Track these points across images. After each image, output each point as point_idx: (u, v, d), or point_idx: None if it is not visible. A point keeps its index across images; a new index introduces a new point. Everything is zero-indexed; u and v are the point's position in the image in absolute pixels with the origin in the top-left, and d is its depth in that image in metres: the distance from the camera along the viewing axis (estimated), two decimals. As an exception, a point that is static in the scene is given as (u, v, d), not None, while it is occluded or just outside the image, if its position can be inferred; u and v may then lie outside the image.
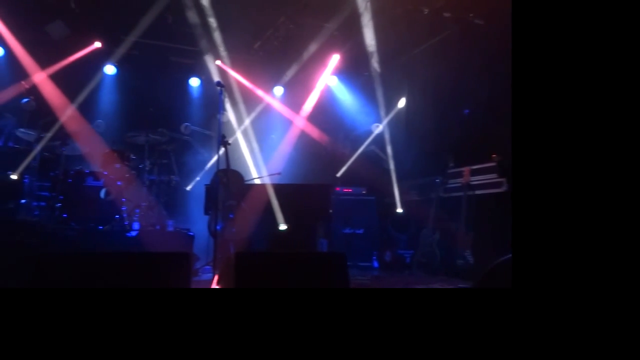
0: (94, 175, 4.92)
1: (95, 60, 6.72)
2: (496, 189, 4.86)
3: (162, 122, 6.28)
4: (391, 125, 6.83)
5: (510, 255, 2.81)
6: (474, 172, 5.13)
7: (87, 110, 6.42)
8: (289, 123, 7.48)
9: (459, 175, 5.30)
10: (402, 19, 6.33)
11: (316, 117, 7.44)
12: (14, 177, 4.89)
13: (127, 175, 5.05)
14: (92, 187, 4.82)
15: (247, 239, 5.01)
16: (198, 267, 4.88)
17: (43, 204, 4.96)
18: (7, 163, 5.01)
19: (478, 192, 5.08)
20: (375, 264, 5.77)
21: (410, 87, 6.85)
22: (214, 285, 3.50)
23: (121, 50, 6.71)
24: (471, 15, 5.89)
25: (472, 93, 5.65)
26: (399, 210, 6.24)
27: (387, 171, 6.45)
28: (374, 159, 6.73)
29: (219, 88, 4.24)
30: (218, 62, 7.22)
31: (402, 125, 6.82)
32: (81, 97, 6.39)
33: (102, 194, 4.82)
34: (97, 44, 6.68)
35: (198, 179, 6.72)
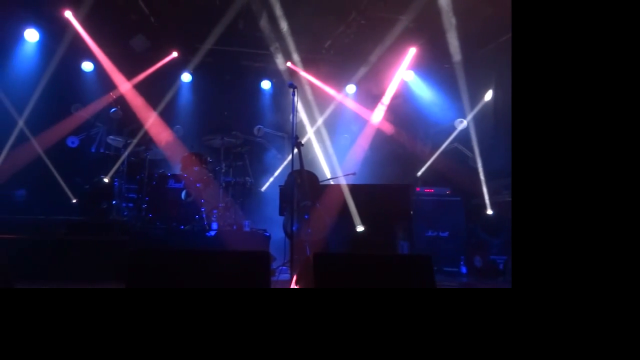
0: (175, 177, 5.27)
1: (173, 70, 7.23)
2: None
3: (236, 125, 6.60)
4: (477, 120, 6.49)
5: None
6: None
7: (167, 116, 6.92)
8: (363, 122, 7.44)
9: (560, 171, 4.86)
10: (487, 4, 6.02)
11: (393, 114, 7.32)
12: (105, 180, 5.42)
13: (205, 178, 5.34)
14: (174, 189, 5.17)
15: (323, 240, 5.02)
16: (274, 267, 4.99)
17: (131, 205, 5.42)
18: (99, 168, 5.57)
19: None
20: (464, 270, 5.49)
21: (498, 78, 6.47)
22: (293, 285, 3.53)
23: (196, 59, 7.15)
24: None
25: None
26: (490, 211, 5.90)
27: (474, 170, 6.14)
28: (458, 157, 6.45)
29: (291, 89, 4.31)
30: (289, 64, 7.39)
31: (489, 120, 6.46)
32: (162, 105, 6.89)
33: (183, 195, 5.14)
34: (174, 54, 7.18)
35: (272, 180, 6.92)
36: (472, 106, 6.51)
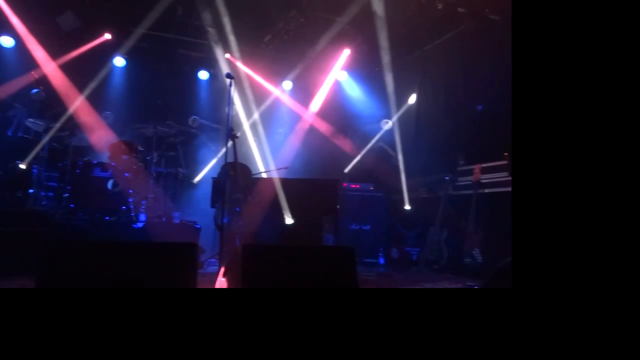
0: (102, 166, 4.99)
1: (105, 52, 6.80)
2: (507, 188, 4.84)
3: (170, 114, 6.37)
4: (401, 121, 6.82)
5: None
6: (485, 170, 5.11)
7: (96, 101, 6.50)
8: (297, 118, 7.51)
9: (469, 173, 5.28)
10: (416, 14, 6.31)
11: (325, 112, 7.47)
12: (22, 166, 4.99)
13: (134, 167, 5.12)
14: (99, 178, 4.90)
15: (253, 232, 5.05)
16: (204, 259, 4.94)
17: (51, 194, 5.05)
18: (16, 153, 5.11)
19: (488, 190, 5.06)
20: (382, 260, 5.79)
21: (421, 83, 6.83)
22: (220, 278, 3.55)
23: (130, 42, 6.78)
24: (486, 10, 5.85)
25: (485, 90, 5.63)
26: (407, 207, 6.25)
27: (396, 168, 6.46)
28: (382, 156, 6.74)
29: (228, 80, 4.25)
30: (227, 56, 7.26)
31: (412, 122, 6.81)
32: (90, 88, 6.47)
33: (110, 185, 4.90)
34: (107, 36, 6.76)
35: (205, 172, 6.79)
36: (397, 108, 6.82)
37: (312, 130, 7.35)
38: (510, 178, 4.87)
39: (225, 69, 7.06)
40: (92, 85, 6.53)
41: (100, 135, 5.76)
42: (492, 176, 5.07)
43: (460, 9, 6.01)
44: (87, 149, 5.72)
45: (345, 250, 2.89)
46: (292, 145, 7.15)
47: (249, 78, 7.50)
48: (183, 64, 7.51)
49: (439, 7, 6.05)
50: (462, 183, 5.51)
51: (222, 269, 3.66)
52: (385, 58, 6.72)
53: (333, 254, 2.89)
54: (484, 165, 5.13)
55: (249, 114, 7.36)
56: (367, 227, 5.89)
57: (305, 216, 5.31)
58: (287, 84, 7.87)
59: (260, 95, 7.54)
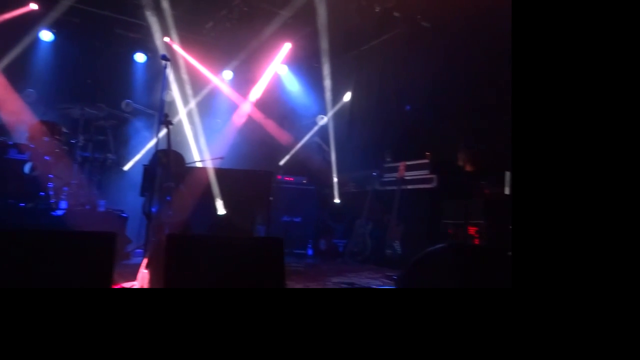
0: (19, 147, 4.60)
1: (30, 24, 6.23)
2: (427, 185, 5.13)
3: (102, 96, 5.99)
4: (336, 118, 6.96)
5: (438, 246, 3.04)
6: (409, 168, 5.37)
7: (16, 77, 5.96)
8: (236, 108, 7.39)
9: (395, 169, 5.52)
10: (355, 14, 6.44)
11: (264, 104, 7.41)
12: None
13: (56, 150, 4.77)
14: (15, 160, 4.51)
15: (184, 222, 4.93)
16: (130, 250, 4.76)
17: (-42, 176, 4.58)
18: None
19: (411, 186, 5.33)
20: (310, 252, 5.92)
21: (357, 82, 6.99)
22: (143, 269, 3.44)
23: (58, 14, 6.26)
24: (419, 17, 6.10)
25: (414, 92, 5.90)
26: (337, 200, 6.42)
27: (329, 163, 6.59)
28: (316, 150, 6.84)
29: (163, 62, 4.06)
30: (166, 39, 6.96)
31: (346, 119, 6.97)
32: (7, 61, 5.91)
33: (27, 168, 4.53)
34: (33, 6, 6.20)
35: (137, 159, 6.50)
36: (333, 105, 6.95)
37: (249, 121, 7.27)
38: (429, 176, 5.17)
39: (163, 52, 6.75)
40: (10, 57, 5.95)
41: (19, 114, 5.31)
42: (414, 173, 5.33)
43: (395, 14, 6.22)
44: (2, 129, 5.25)
45: (273, 241, 2.90)
46: (228, 135, 7.03)
47: (188, 65, 7.24)
48: (119, 45, 7.08)
49: (377, 10, 6.22)
50: (387, 179, 5.73)
51: (145, 260, 3.56)
52: (324, 55, 6.80)
53: (261, 244, 2.87)
54: (408, 163, 5.39)
55: (186, 102, 7.12)
56: (298, 220, 5.97)
57: (238, 207, 5.28)
58: (227, 74, 7.70)
59: (198, 83, 7.32)
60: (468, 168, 4.94)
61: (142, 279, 3.34)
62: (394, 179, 5.51)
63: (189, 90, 7.09)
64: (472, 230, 4.42)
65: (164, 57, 4.05)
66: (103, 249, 2.39)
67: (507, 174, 4.54)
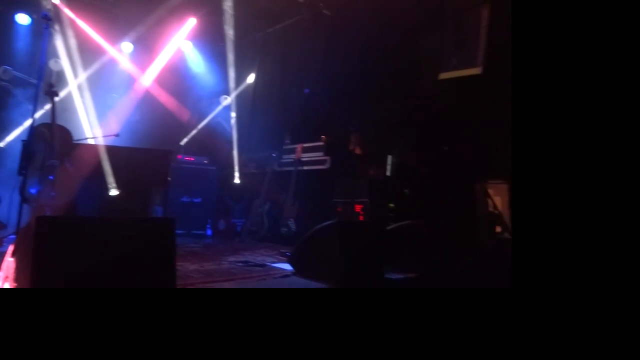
0: None
1: None
2: (321, 166, 5.31)
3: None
4: (239, 99, 6.81)
5: (326, 222, 3.17)
6: (306, 150, 5.49)
7: None
8: (133, 82, 6.85)
9: (293, 151, 5.60)
10: (262, -4, 6.29)
11: (165, 81, 6.97)
12: None
13: None
14: None
15: (69, 204, 4.52)
16: (3, 236, 4.27)
17: None
18: None
19: (307, 167, 5.45)
20: (209, 232, 5.84)
21: (260, 64, 6.89)
22: (8, 257, 3.11)
23: None
24: (321, 4, 6.15)
25: (314, 77, 5.98)
26: (237, 181, 6.36)
27: (230, 143, 6.47)
28: (219, 130, 6.67)
29: (45, 22, 3.54)
30: (56, 1, 6.13)
31: (249, 100, 6.86)
32: None
33: None
34: None
35: (16, 134, 5.75)
36: (237, 86, 6.78)
37: (149, 98, 6.80)
38: (323, 157, 5.35)
39: (45, 11, 5.95)
40: None
41: None
42: (310, 155, 5.46)
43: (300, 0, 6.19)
44: None
45: (163, 222, 2.74)
46: (125, 111, 6.52)
47: (80, 31, 6.49)
48: (-5, 3, 6.10)
49: (283, -6, 6.13)
50: (286, 160, 5.79)
51: (11, 247, 3.22)
52: (230, 34, 6.56)
53: (150, 226, 2.66)
54: (305, 145, 5.50)
55: (77, 73, 6.42)
56: (198, 200, 5.81)
57: (133, 187, 4.97)
58: (127, 46, 7.07)
59: (92, 52, 6.62)
60: (357, 151, 5.20)
61: (6, 269, 3.02)
62: (291, 160, 5.59)
63: (80, 59, 6.39)
64: (358, 207, 4.69)
65: (45, 16, 3.50)
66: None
67: (389, 157, 4.87)
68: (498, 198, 4.46)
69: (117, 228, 2.32)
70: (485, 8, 4.26)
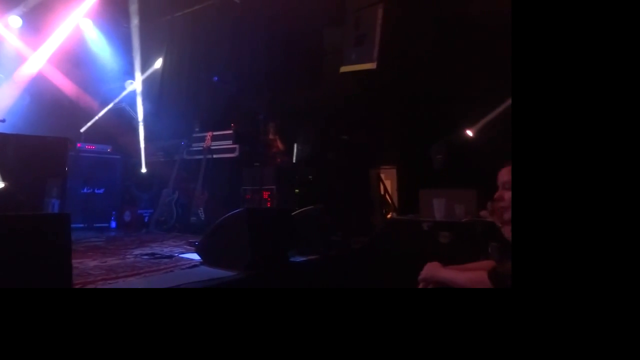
0: None
1: None
2: (230, 154, 5.23)
3: None
4: (146, 84, 6.36)
5: (235, 210, 3.13)
6: (215, 138, 5.35)
7: None
8: (23, 62, 6.06)
9: (202, 139, 5.42)
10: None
11: (61, 61, 6.26)
12: None
13: None
14: None
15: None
16: None
17: None
18: None
19: (216, 156, 5.32)
20: (113, 224, 5.48)
21: (168, 49, 6.49)
22: None
23: None
24: (231, -8, 5.94)
25: (222, 64, 5.80)
26: (144, 170, 6.02)
27: (136, 131, 6.07)
28: (124, 117, 6.21)
29: None
30: None
31: (157, 86, 6.46)
32: None
33: None
34: None
35: None
36: (143, 70, 6.33)
37: (42, 80, 6.07)
38: (232, 146, 5.27)
39: None
40: None
41: None
42: (220, 143, 5.34)
43: (209, -14, 5.92)
44: None
45: (56, 217, 2.51)
46: (13, 94, 5.77)
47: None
48: None
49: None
50: (195, 148, 5.60)
51: None
52: (135, 16, 6.06)
53: (40, 223, 2.47)
54: (214, 133, 5.36)
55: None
56: (101, 191, 5.39)
57: (24, 179, 4.46)
58: (15, 20, 6.19)
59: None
60: (276, 140, 5.22)
61: None
62: (201, 148, 5.41)
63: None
64: (265, 194, 4.73)
65: None
66: None
67: (295, 145, 4.97)
68: (388, 182, 4.81)
69: (1, 226, 2.07)
70: (380, 8, 4.45)
